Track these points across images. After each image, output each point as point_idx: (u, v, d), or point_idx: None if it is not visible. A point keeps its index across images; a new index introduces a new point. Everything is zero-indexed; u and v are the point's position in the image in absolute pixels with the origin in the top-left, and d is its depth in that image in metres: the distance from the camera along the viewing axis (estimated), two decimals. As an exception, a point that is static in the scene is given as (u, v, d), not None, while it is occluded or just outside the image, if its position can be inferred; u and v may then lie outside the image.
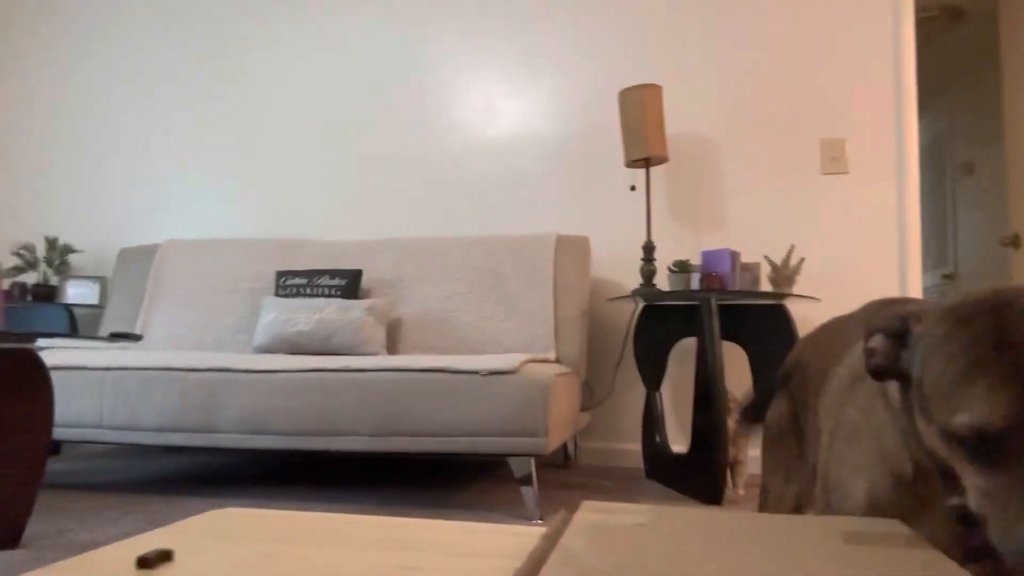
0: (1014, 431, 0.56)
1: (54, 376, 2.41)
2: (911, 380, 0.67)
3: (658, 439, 2.79)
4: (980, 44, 4.50)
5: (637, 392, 3.01)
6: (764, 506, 1.09)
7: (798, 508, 1.00)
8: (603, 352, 3.13)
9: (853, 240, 2.97)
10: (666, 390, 3.03)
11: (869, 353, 0.71)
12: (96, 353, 2.57)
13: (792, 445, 1.04)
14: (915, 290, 2.92)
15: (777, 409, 1.10)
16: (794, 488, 1.02)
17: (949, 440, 0.62)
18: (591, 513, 0.71)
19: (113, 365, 2.40)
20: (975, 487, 0.61)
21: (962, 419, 0.59)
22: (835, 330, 1.00)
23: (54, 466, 2.94)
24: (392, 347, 2.94)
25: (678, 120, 3.12)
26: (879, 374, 0.71)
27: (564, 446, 3.02)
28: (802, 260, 2.66)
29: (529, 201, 3.32)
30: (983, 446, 0.59)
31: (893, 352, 0.69)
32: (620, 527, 0.66)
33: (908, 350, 0.67)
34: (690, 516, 0.72)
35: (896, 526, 0.68)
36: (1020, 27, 3.72)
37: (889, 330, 0.69)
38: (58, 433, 2.42)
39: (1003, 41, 3.88)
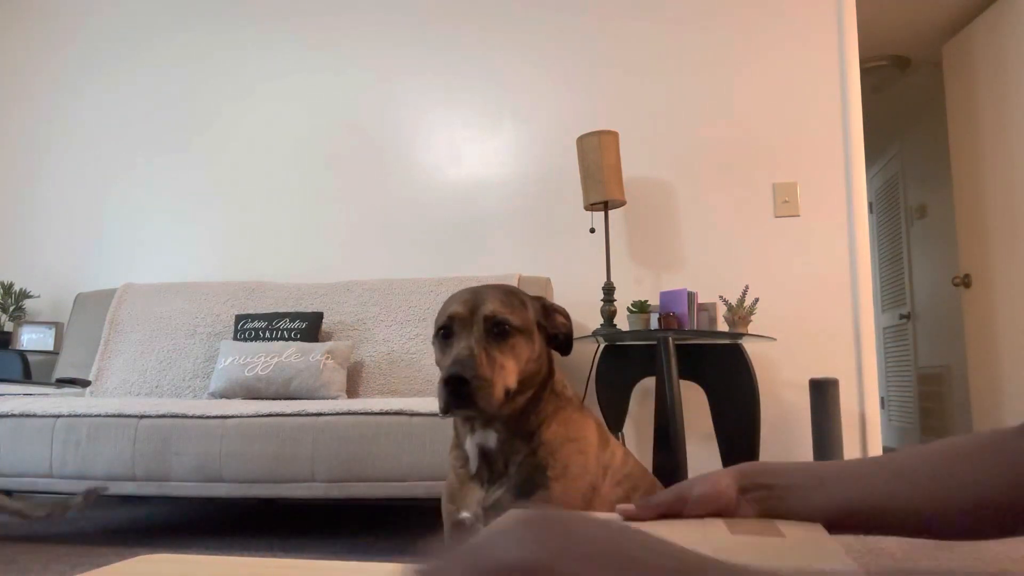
0: (464, 318, 1.08)
1: (3, 424, 2.36)
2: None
3: (620, 480, 2.78)
4: (927, 92, 4.69)
5: (600, 433, 3.01)
6: None
7: None
8: (566, 393, 3.13)
9: (807, 281, 3.04)
10: (628, 430, 3.04)
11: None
12: (46, 400, 2.51)
13: None
14: (869, 329, 2.99)
15: None
16: None
17: (439, 340, 1.11)
18: None
19: (63, 412, 2.35)
20: (445, 364, 1.06)
21: (446, 313, 1.09)
22: None
23: (2, 517, 2.84)
24: (354, 390, 2.91)
25: (635, 165, 3.19)
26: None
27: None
28: (756, 300, 2.71)
29: (491, 243, 3.35)
30: (451, 331, 1.08)
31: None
32: None
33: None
34: None
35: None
36: (962, 76, 3.89)
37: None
38: (8, 482, 2.35)
39: (947, 89, 4.05)
